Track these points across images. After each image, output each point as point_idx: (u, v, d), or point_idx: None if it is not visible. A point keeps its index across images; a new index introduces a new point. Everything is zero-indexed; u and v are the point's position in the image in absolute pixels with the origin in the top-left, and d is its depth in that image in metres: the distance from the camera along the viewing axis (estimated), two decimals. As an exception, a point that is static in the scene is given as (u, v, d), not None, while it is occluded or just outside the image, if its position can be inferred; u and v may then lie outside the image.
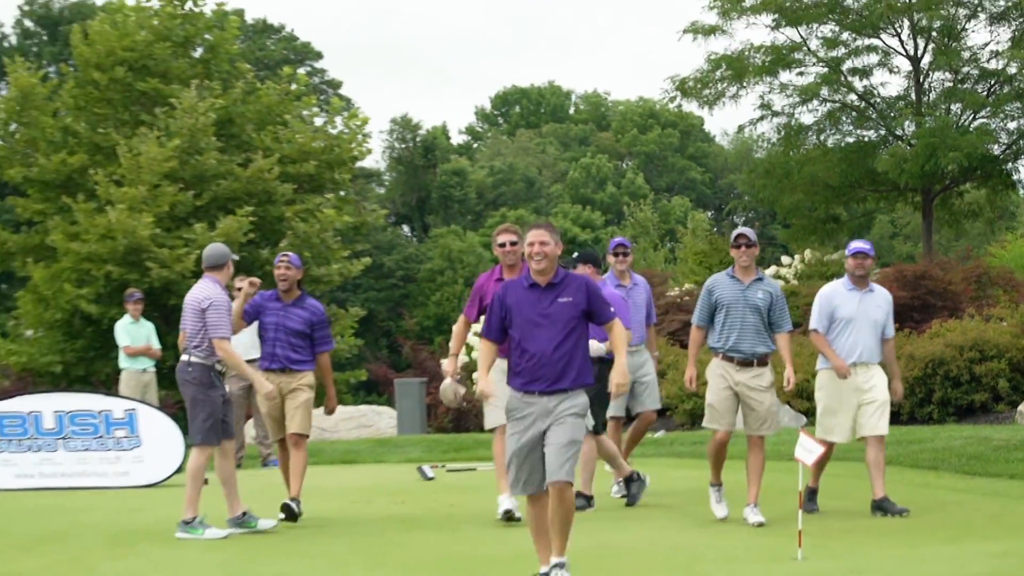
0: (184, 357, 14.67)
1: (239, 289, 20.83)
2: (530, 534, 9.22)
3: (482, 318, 12.76)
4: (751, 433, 13.86)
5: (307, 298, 15.26)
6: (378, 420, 30.84)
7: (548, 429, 8.78)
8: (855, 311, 13.58)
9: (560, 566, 8.90)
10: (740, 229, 13.55)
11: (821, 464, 13.96)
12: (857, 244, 14.19)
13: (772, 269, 34.42)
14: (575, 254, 16.56)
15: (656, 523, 14.31)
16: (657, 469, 18.48)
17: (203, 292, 14.30)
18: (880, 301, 13.92)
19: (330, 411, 15.85)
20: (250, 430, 23.50)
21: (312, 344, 15.08)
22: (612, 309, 9.37)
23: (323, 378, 15.29)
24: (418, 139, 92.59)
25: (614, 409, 15.22)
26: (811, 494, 14.09)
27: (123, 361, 23.74)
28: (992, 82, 32.83)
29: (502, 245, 14.08)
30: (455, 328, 15.15)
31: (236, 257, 15.26)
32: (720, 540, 12.86)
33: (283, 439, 15.09)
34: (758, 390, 13.66)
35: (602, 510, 14.99)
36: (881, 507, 13.74)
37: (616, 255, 15.37)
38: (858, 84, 33.64)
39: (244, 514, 14.06)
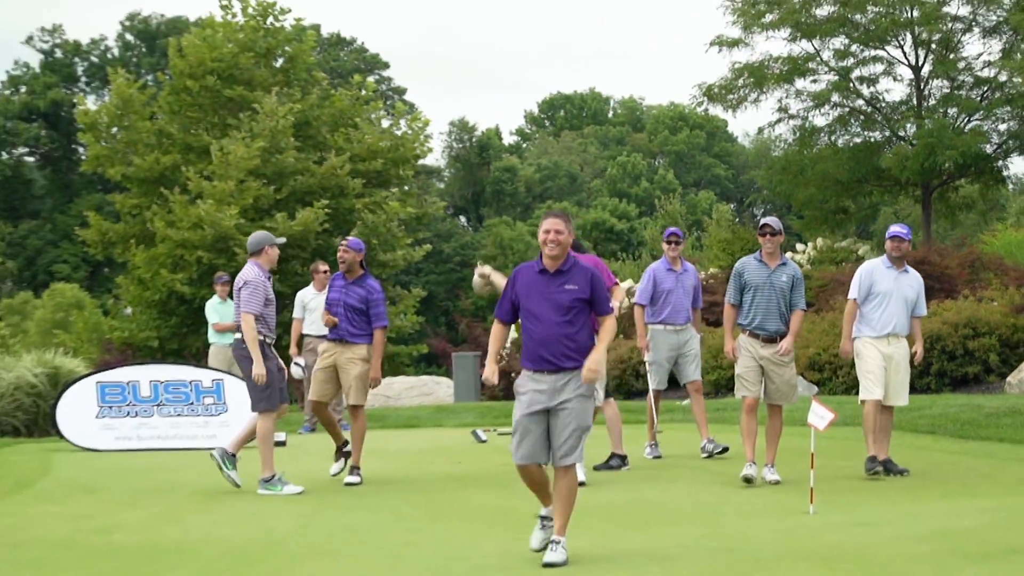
0: (237, 335, 14.84)
1: (324, 271, 21.06)
2: (528, 488, 9.17)
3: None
4: (771, 402, 13.93)
5: (368, 278, 15.17)
6: (437, 389, 30.88)
7: (555, 410, 8.66)
8: (891, 287, 13.55)
9: (556, 542, 8.77)
10: (766, 219, 13.59)
11: (876, 428, 13.83)
12: (895, 228, 14.07)
13: (788, 255, 32.84)
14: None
15: (683, 481, 14.41)
16: (684, 433, 18.51)
17: (243, 275, 14.61)
18: (913, 282, 13.88)
19: (373, 383, 14.98)
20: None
21: (369, 321, 15.09)
22: (610, 303, 9.22)
23: (373, 351, 15.03)
24: (474, 140, 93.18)
25: (655, 383, 15.34)
26: (884, 462, 13.90)
27: (212, 336, 23.85)
28: (985, 88, 32.80)
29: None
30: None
31: (280, 241, 15.20)
32: (740, 497, 12.97)
33: (318, 402, 15.06)
34: (780, 364, 13.74)
35: (635, 469, 15.02)
36: (886, 467, 13.68)
37: (668, 243, 15.34)
38: (865, 91, 33.63)
39: (273, 476, 14.12)
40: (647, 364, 15.62)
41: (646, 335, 15.79)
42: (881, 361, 13.77)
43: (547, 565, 8.70)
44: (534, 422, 8.60)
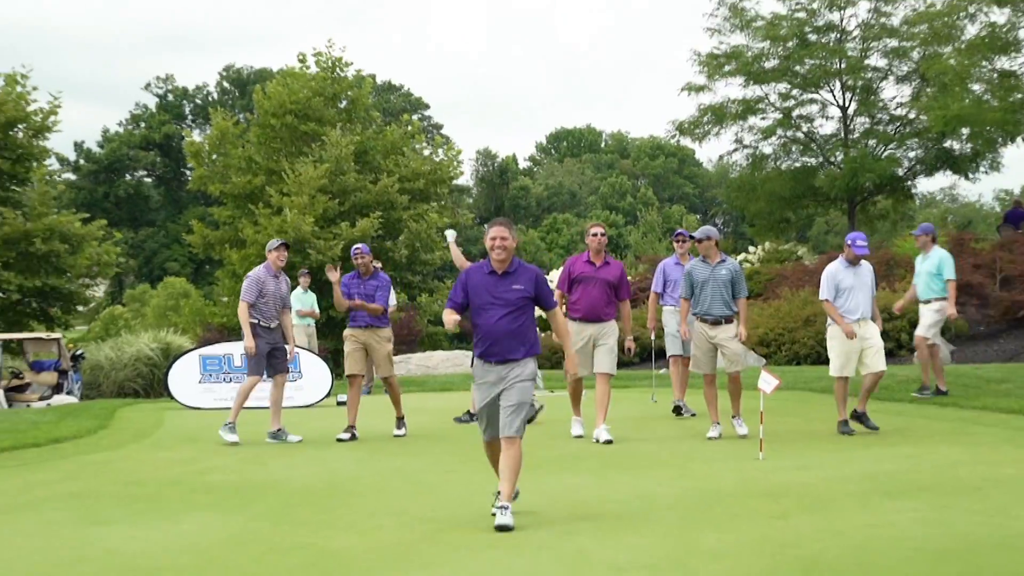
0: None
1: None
2: (490, 464, 8.83)
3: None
4: (728, 371, 13.79)
5: (379, 273, 15.06)
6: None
7: (501, 393, 8.33)
8: (853, 282, 13.53)
9: (505, 508, 8.24)
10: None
11: (845, 397, 13.82)
12: (855, 235, 14.20)
13: (742, 255, 34.79)
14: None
15: (661, 435, 14.36)
16: (664, 396, 18.33)
17: (250, 272, 14.96)
18: (867, 272, 13.88)
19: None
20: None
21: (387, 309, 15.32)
22: (555, 299, 8.85)
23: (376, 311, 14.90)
24: (495, 165, 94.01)
25: (674, 349, 15.11)
26: (860, 416, 13.92)
27: (294, 319, 24.40)
28: (898, 124, 33.01)
29: (593, 234, 13.49)
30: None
31: (274, 244, 14.86)
32: (705, 447, 12.99)
33: (353, 375, 14.98)
34: (727, 340, 13.55)
35: (623, 423, 14.67)
36: (860, 418, 13.69)
37: (676, 241, 14.98)
38: (803, 126, 34.05)
39: (279, 430, 14.32)
40: (666, 336, 15.10)
41: (657, 316, 15.55)
42: (853, 345, 13.62)
43: (500, 528, 8.15)
44: (493, 408, 8.38)
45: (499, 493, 8.32)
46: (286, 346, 15.29)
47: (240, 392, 15.05)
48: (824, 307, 14.17)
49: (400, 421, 15.23)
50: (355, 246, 6.90)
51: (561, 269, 14.04)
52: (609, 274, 13.40)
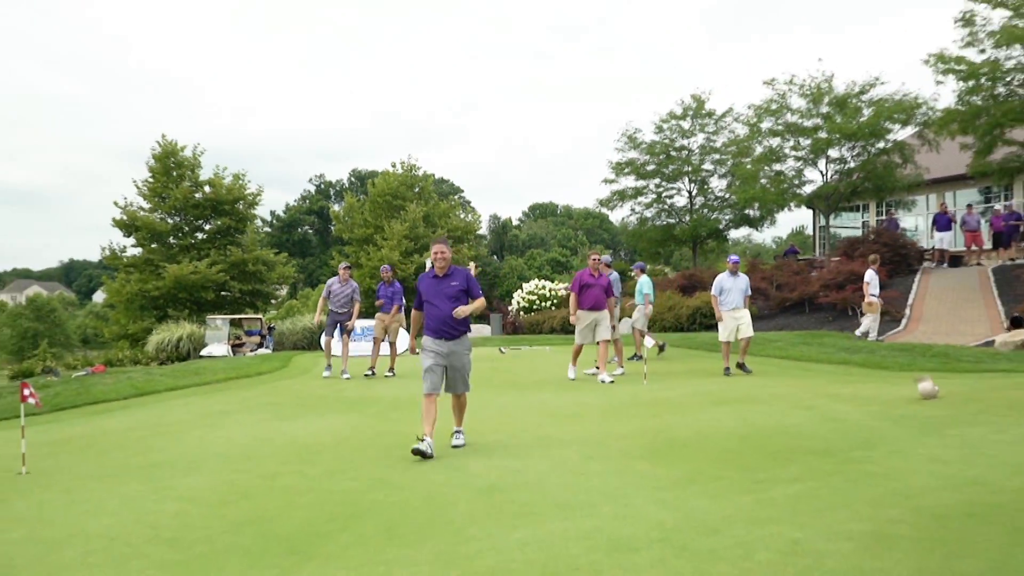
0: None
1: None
2: (422, 416, 7.90)
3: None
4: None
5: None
6: (483, 330, 31.90)
7: (449, 361, 7.81)
8: (732, 286, 13.92)
9: (459, 432, 8.05)
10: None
11: (728, 353, 13.94)
12: (733, 256, 14.57)
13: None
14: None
15: (609, 389, 14.62)
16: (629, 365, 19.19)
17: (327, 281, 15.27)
18: (742, 282, 14.11)
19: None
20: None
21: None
22: (480, 291, 8.14)
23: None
24: (500, 222, 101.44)
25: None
26: (740, 364, 14.12)
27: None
28: (719, 201, 35.04)
29: (593, 258, 13.89)
30: (571, 299, 14.02)
31: (343, 265, 15.40)
32: (623, 390, 13.67)
33: (375, 339, 15.75)
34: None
35: (580, 381, 14.43)
36: (741, 367, 13.81)
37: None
38: (667, 202, 35.86)
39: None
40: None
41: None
42: (732, 322, 14.03)
43: (455, 447, 7.84)
44: (436, 369, 7.72)
45: (419, 438, 7.47)
46: (347, 321, 15.16)
47: (325, 345, 15.42)
48: (712, 300, 14.30)
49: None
50: (435, 246, 6.98)
51: (573, 278, 14.07)
52: (604, 282, 13.75)
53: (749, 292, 14.13)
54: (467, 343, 7.99)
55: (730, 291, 13.91)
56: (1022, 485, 5.42)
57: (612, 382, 12.77)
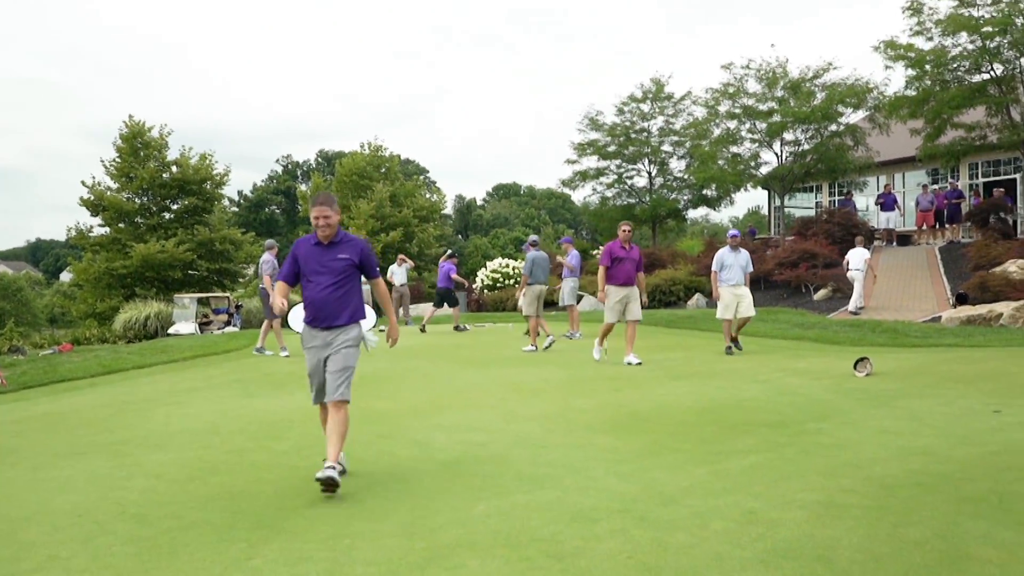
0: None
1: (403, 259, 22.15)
2: (324, 431, 5.93)
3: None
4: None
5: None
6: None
7: (328, 357, 5.84)
8: (733, 261, 13.21)
9: (332, 468, 5.38)
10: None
11: (729, 331, 13.18)
12: (733, 230, 13.97)
13: (596, 251, 36.71)
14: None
15: (558, 351, 14.85)
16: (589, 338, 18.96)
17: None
18: (743, 257, 13.30)
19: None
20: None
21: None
22: (378, 270, 6.11)
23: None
24: (464, 202, 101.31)
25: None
26: (734, 340, 13.39)
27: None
28: (678, 181, 35.26)
29: (623, 229, 12.39)
30: (599, 273, 12.54)
31: (274, 244, 14.87)
32: (579, 355, 13.77)
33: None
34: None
35: (554, 352, 14.84)
36: (734, 341, 13.12)
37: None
38: (628, 182, 36.00)
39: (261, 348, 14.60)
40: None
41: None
42: (732, 299, 13.27)
43: (322, 481, 5.35)
44: (318, 372, 5.87)
45: (325, 466, 5.44)
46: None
47: (276, 328, 14.74)
48: (712, 276, 13.41)
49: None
50: (315, 208, 5.31)
51: (602, 251, 12.75)
52: (635, 255, 12.52)
53: (751, 268, 13.50)
54: (354, 334, 5.98)
55: (731, 267, 13.21)
56: (967, 455, 5.51)
57: (640, 364, 11.78)
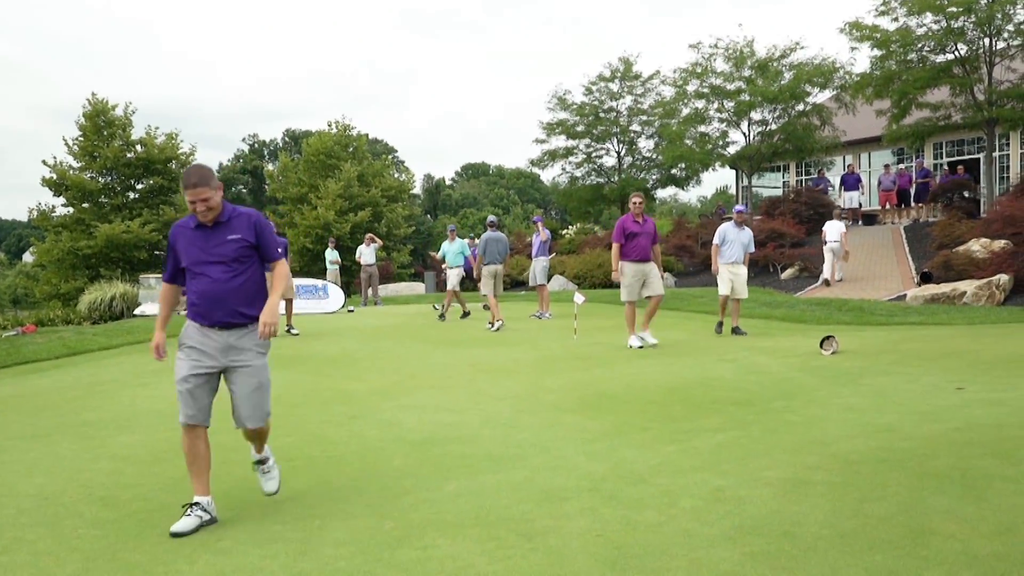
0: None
1: (371, 238, 22.16)
2: (186, 465, 4.58)
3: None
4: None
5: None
6: (419, 287, 31.73)
7: (230, 370, 4.56)
8: (735, 238, 12.50)
9: (263, 463, 4.84)
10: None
11: (724, 307, 12.78)
12: (739, 207, 13.28)
13: (566, 231, 37.01)
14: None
15: (527, 329, 14.76)
16: (523, 311, 19.14)
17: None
18: (746, 235, 12.71)
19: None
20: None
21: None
22: (280, 251, 4.72)
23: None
24: (433, 182, 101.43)
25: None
26: (727, 327, 12.79)
27: (329, 265, 24.37)
28: (647, 160, 35.33)
29: (634, 202, 11.64)
30: (613, 251, 11.71)
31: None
32: (547, 335, 13.72)
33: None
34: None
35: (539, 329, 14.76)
36: (736, 330, 12.48)
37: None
38: (597, 162, 35.96)
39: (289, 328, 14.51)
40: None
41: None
42: (728, 276, 12.66)
43: (268, 493, 4.85)
44: (203, 380, 4.52)
45: (192, 504, 4.49)
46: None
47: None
48: (712, 250, 12.80)
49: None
50: (189, 191, 3.90)
51: (615, 226, 11.92)
52: (649, 228, 11.63)
53: (752, 248, 12.85)
54: (260, 340, 4.62)
55: (733, 243, 12.57)
56: (931, 432, 5.59)
57: (656, 344, 11.23)
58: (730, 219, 13.75)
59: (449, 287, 17.30)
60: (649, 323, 11.53)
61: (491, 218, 15.90)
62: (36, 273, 44.38)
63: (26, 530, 4.43)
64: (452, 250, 17.68)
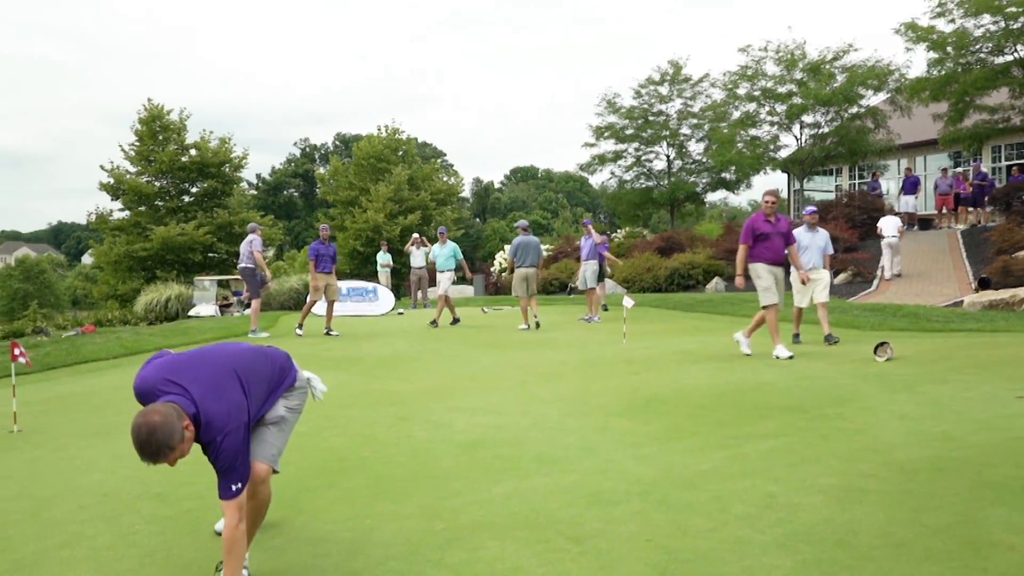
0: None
1: (418, 238, 22.19)
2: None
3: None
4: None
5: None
6: (468, 290, 31.16)
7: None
8: (810, 242, 11.57)
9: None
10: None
11: (799, 319, 11.94)
12: (809, 207, 12.13)
13: (616, 234, 36.29)
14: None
15: (574, 334, 14.68)
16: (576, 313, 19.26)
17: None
18: (822, 238, 11.73)
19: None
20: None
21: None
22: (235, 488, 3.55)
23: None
24: (482, 185, 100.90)
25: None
26: (824, 339, 11.42)
27: (380, 268, 24.53)
28: (697, 164, 34.96)
29: (767, 201, 10.49)
30: (740, 253, 10.62)
31: (258, 226, 14.86)
32: (596, 337, 13.55)
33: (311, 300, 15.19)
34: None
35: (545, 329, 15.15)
36: (828, 338, 11.34)
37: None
38: (646, 165, 35.73)
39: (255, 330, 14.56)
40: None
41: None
42: (807, 285, 11.40)
43: None
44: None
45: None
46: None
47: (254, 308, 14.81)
48: (792, 258, 11.27)
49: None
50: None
51: (744, 226, 10.83)
52: (783, 227, 10.70)
53: (831, 250, 11.79)
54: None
55: (807, 248, 11.45)
56: (989, 441, 5.46)
57: (792, 357, 9.97)
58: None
59: (440, 292, 16.33)
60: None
61: (522, 222, 15.75)
62: (94, 275, 45.45)
63: (86, 525, 4.52)
64: (443, 254, 16.76)
